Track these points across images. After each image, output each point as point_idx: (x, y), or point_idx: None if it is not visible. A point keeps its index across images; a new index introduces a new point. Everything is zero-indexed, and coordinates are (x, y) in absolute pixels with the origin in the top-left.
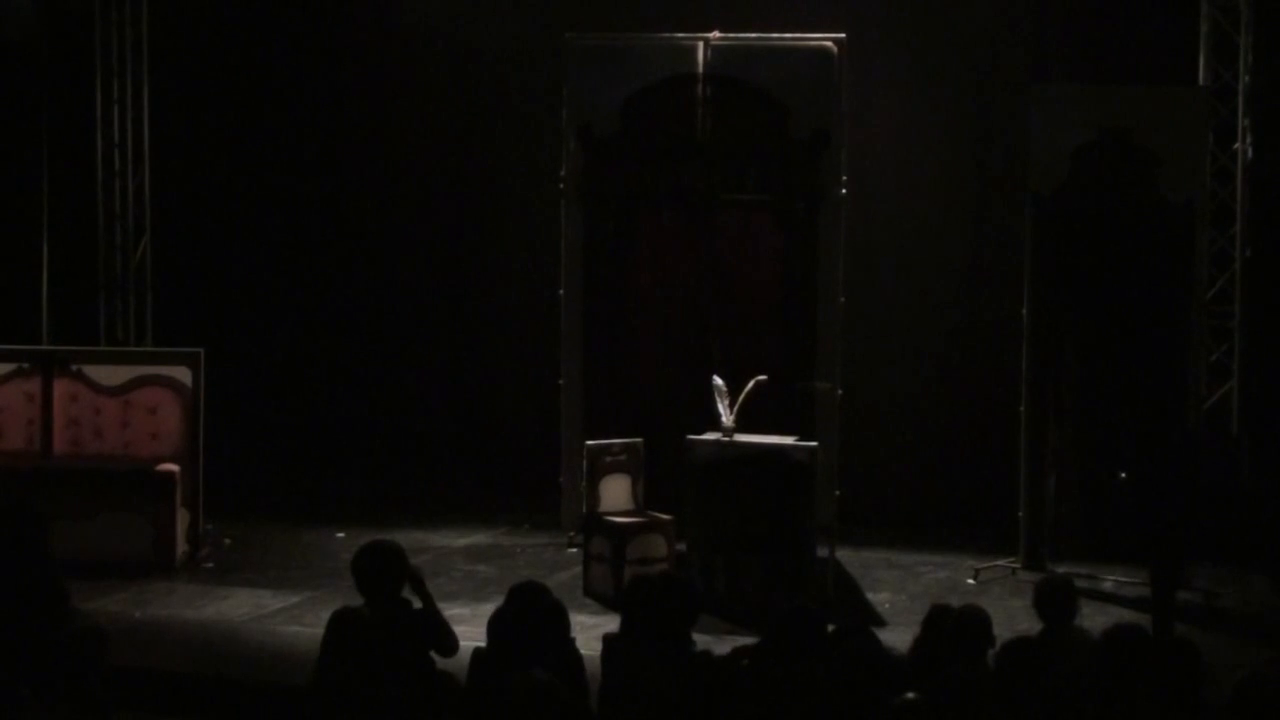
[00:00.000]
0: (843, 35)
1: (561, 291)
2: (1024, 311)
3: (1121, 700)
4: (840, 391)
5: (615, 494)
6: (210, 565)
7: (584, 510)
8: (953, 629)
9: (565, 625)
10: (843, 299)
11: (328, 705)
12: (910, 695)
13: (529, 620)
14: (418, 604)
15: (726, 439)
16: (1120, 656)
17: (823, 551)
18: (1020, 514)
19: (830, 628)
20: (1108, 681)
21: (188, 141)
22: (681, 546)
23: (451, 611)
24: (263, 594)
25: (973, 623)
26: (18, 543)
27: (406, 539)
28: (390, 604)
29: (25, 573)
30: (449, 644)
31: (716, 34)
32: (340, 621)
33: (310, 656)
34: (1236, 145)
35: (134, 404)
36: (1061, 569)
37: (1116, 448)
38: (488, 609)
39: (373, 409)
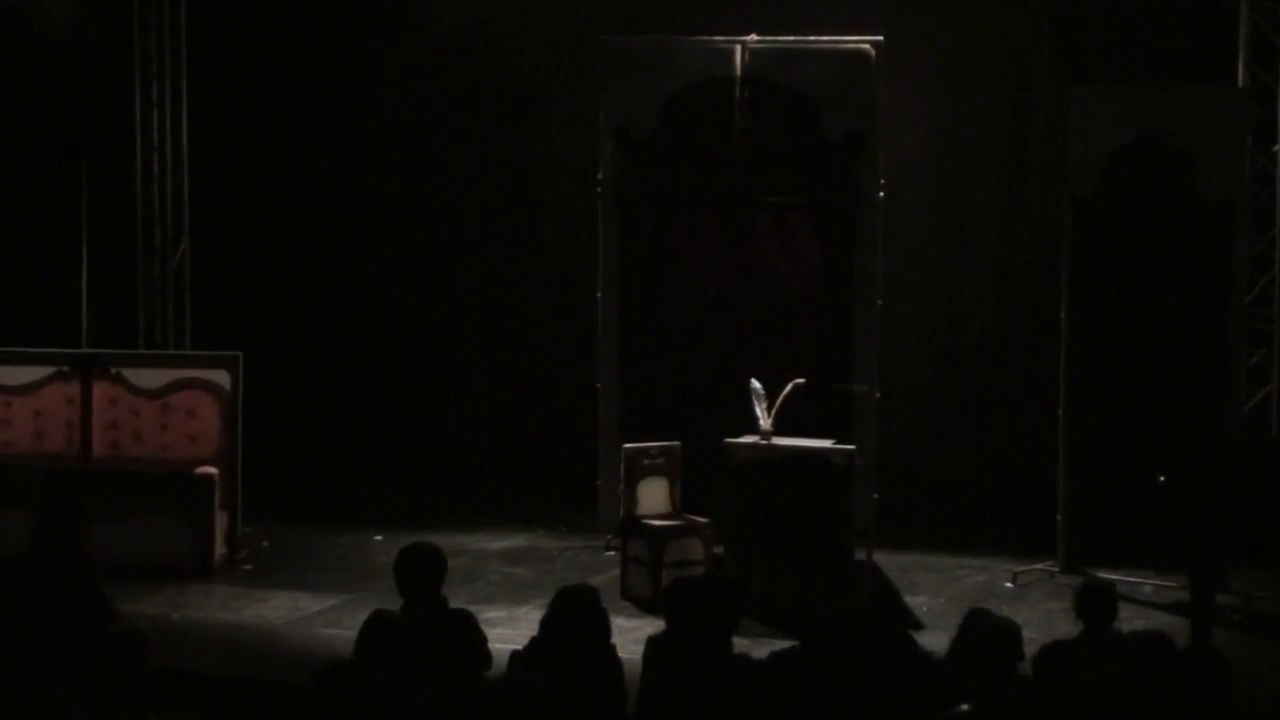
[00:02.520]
0: (880, 38)
1: (599, 294)
2: (1061, 314)
3: (1148, 709)
4: (877, 394)
5: (653, 497)
6: (248, 567)
7: (621, 513)
8: (982, 641)
9: (606, 630)
10: (880, 301)
11: (361, 707)
12: (964, 708)
13: (572, 624)
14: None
15: (764, 442)
16: (1144, 665)
17: (860, 554)
18: (1058, 517)
19: (868, 631)
20: (1132, 690)
21: (226, 145)
22: (719, 549)
23: (488, 614)
24: (301, 596)
25: (1003, 636)
26: (58, 545)
27: (444, 541)
28: (430, 606)
29: (66, 575)
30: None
31: (754, 37)
32: (375, 625)
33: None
34: (1276, 148)
35: (173, 407)
36: (1100, 572)
37: (1155, 451)
38: (524, 612)
39: (410, 411)
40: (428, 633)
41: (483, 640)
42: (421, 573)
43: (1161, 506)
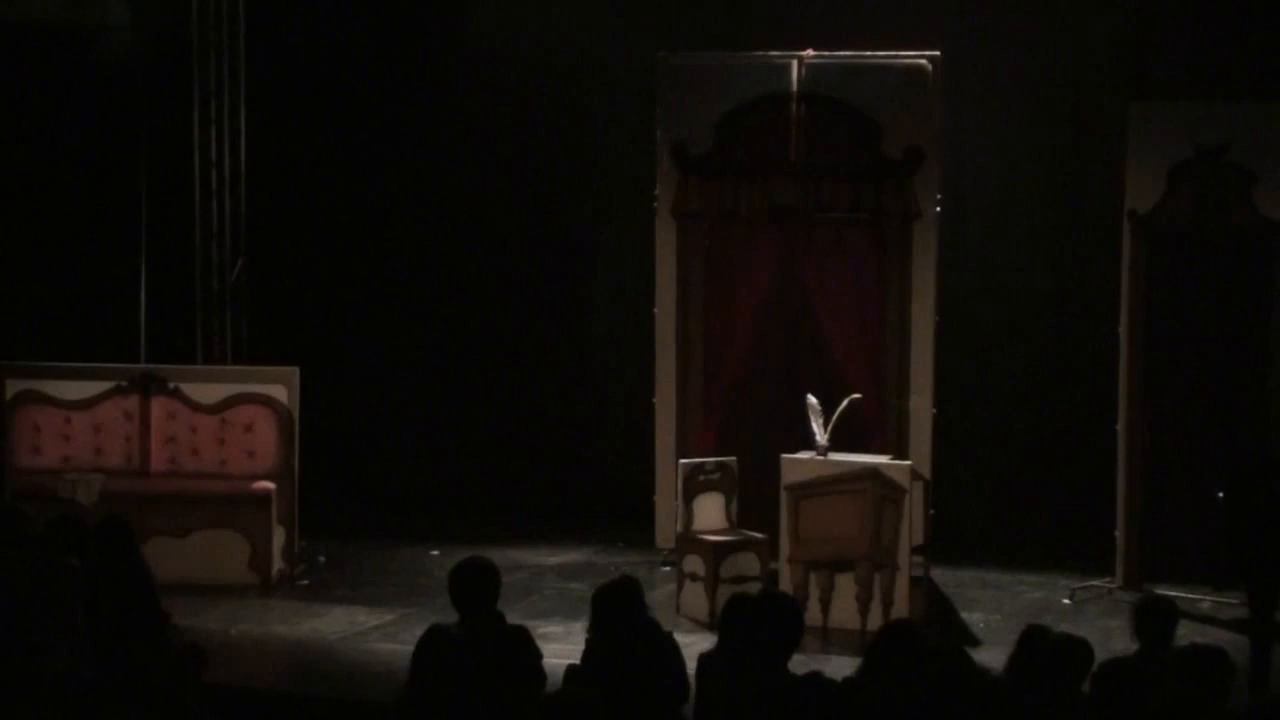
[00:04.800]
0: (937, 53)
1: (655, 310)
2: (1120, 330)
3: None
4: (935, 410)
5: (709, 512)
6: (306, 582)
7: (678, 528)
8: (1052, 656)
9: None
10: (937, 317)
11: None
12: None
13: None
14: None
15: (821, 457)
16: (1204, 682)
17: (917, 571)
18: (1117, 533)
19: (925, 647)
20: (1193, 707)
21: (284, 161)
22: (775, 565)
23: (545, 629)
24: (358, 611)
25: (1073, 653)
26: (115, 560)
27: (500, 556)
28: (485, 621)
29: (122, 589)
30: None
31: (811, 52)
32: (431, 639)
33: (405, 674)
34: None
35: (230, 422)
36: (1159, 588)
37: (1214, 466)
38: (580, 627)
39: (466, 426)
40: (483, 648)
41: (538, 656)
42: (476, 588)
43: (1220, 522)
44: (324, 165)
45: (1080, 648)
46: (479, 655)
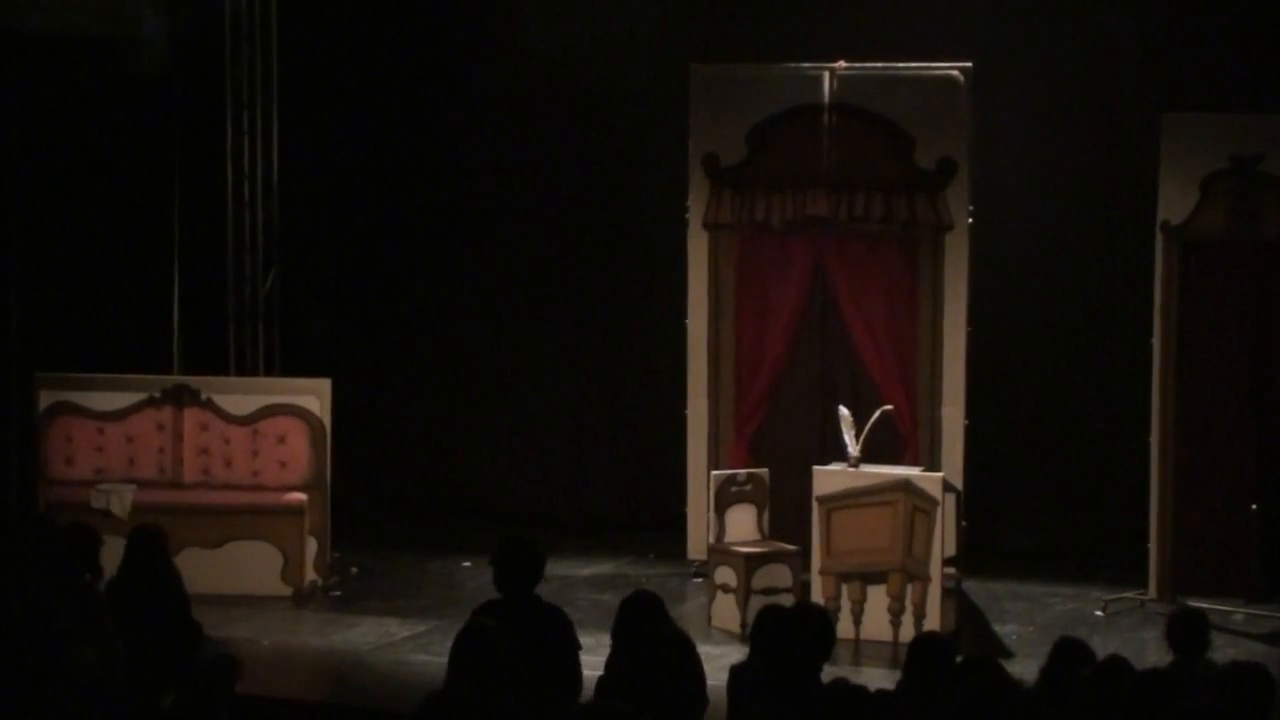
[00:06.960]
0: (969, 64)
1: (687, 321)
2: (1153, 340)
3: None
4: (967, 421)
5: (741, 524)
6: (338, 594)
7: (710, 540)
8: (1085, 668)
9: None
10: (969, 328)
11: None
12: None
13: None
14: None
15: (853, 469)
16: (1242, 696)
17: (949, 582)
18: (1149, 545)
19: (957, 659)
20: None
21: (316, 172)
22: (807, 577)
23: None
24: (390, 622)
25: (1107, 665)
26: (146, 571)
27: None
28: (525, 602)
29: (155, 600)
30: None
31: (842, 64)
32: (467, 639)
33: (437, 686)
34: None
35: (263, 433)
36: (1192, 601)
37: (1247, 479)
38: None
39: (499, 438)
40: (526, 623)
41: (576, 646)
42: (520, 570)
43: (1254, 535)
44: (356, 176)
45: (1114, 660)
46: (517, 642)
